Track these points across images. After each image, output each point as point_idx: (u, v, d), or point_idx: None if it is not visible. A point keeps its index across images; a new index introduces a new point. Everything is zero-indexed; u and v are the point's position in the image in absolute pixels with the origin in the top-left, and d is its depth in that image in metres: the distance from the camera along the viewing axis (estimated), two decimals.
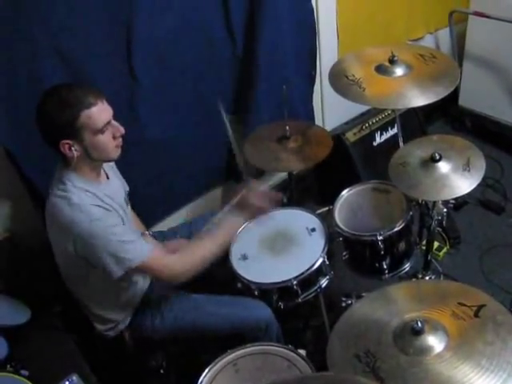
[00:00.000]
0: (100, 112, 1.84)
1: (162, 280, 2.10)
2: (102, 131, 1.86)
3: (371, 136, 3.39)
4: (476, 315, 1.61)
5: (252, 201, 2.27)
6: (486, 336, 1.53)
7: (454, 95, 3.86)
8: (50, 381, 1.87)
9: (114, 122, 1.91)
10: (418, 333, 1.55)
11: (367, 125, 3.36)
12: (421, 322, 1.56)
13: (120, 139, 1.95)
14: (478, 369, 1.45)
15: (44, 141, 1.87)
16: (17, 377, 1.80)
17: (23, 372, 1.85)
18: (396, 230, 2.28)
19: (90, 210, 1.87)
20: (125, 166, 2.33)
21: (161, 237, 2.50)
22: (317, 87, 3.24)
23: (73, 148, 1.85)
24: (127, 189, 2.27)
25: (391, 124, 3.40)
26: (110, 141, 1.91)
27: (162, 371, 2.38)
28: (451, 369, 1.47)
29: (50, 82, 1.99)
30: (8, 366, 1.87)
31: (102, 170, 2.06)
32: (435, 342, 1.54)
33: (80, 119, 1.80)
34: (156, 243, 2.31)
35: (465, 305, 1.64)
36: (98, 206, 1.90)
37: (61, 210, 1.87)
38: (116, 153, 1.97)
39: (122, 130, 1.93)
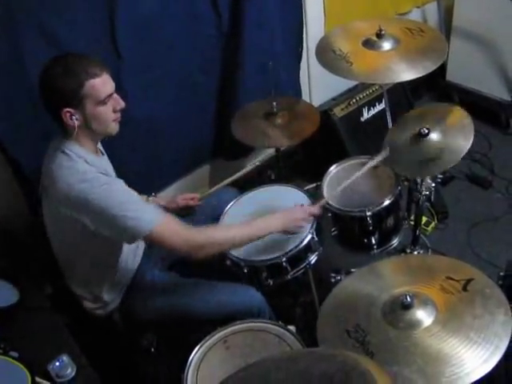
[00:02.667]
0: (104, 83, 1.86)
1: (176, 250, 2.00)
2: (104, 102, 1.88)
3: (359, 111, 3.37)
4: (464, 289, 1.62)
5: (300, 215, 2.18)
6: (475, 309, 1.54)
7: (442, 70, 3.84)
8: (41, 361, 1.86)
9: (115, 95, 1.93)
10: (407, 307, 1.56)
11: (354, 100, 3.34)
12: (410, 296, 1.56)
13: (119, 114, 1.96)
14: (467, 342, 1.47)
15: (45, 108, 1.87)
16: (6, 358, 1.78)
17: (13, 353, 1.82)
18: (384, 205, 2.29)
19: (98, 176, 1.86)
20: (113, 144, 2.30)
21: None
22: (303, 63, 3.21)
23: (74, 117, 1.85)
24: None
25: (379, 99, 3.38)
26: (110, 113, 1.93)
27: (153, 350, 2.38)
28: (440, 342, 1.49)
29: (33, 62, 1.97)
30: None
31: (98, 147, 2.06)
32: (424, 316, 1.55)
33: (84, 88, 1.82)
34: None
35: (453, 279, 1.65)
36: (104, 174, 1.90)
37: (67, 181, 1.85)
38: (115, 127, 1.98)
39: (122, 103, 1.95)
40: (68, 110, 1.83)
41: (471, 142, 2.12)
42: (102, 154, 2.11)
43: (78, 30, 2.25)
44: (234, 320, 2.04)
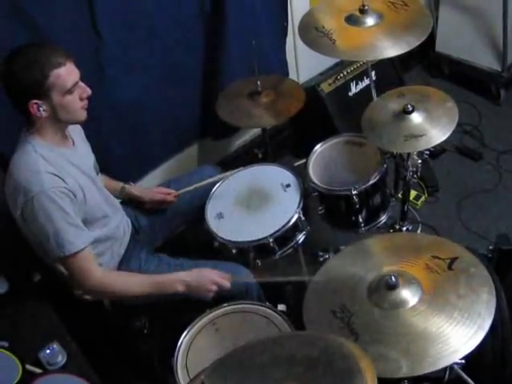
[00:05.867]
0: (69, 72, 1.84)
1: (75, 282, 1.99)
2: (70, 92, 1.86)
3: (346, 86, 3.33)
4: (449, 268, 1.63)
5: (210, 287, 2.02)
6: (459, 288, 1.56)
7: (431, 41, 3.80)
8: (31, 350, 1.88)
9: (81, 83, 1.90)
10: (392, 287, 1.57)
11: (342, 75, 3.30)
12: (395, 276, 1.57)
13: (86, 101, 1.94)
14: (451, 321, 1.48)
15: (12, 102, 1.85)
16: None
17: (3, 343, 1.84)
18: (371, 183, 2.27)
19: (45, 178, 1.84)
20: (98, 128, 2.28)
21: None
22: (290, 38, 3.16)
23: (41, 108, 1.83)
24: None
25: (367, 73, 3.33)
26: (78, 102, 1.90)
27: (145, 331, 2.39)
28: (424, 322, 1.50)
29: (11, 47, 1.93)
30: None
31: (67, 135, 2.03)
32: (409, 296, 1.57)
33: (49, 79, 1.80)
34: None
35: (439, 258, 1.66)
36: (57, 175, 1.88)
37: (16, 173, 1.87)
38: (82, 115, 1.96)
39: (88, 91, 1.93)
40: (35, 101, 1.81)
41: (456, 121, 2.10)
42: (74, 144, 2.07)
43: (56, 13, 2.19)
44: (223, 298, 2.05)
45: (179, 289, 2.01)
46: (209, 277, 2.03)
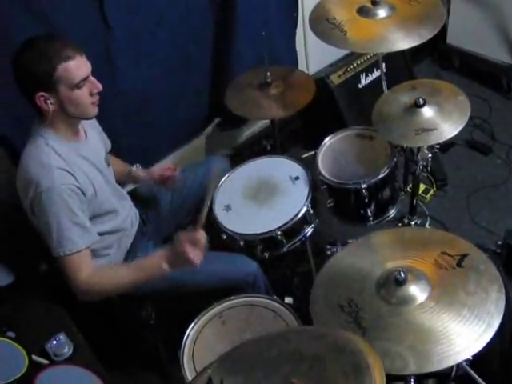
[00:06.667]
0: (78, 66, 1.82)
1: (70, 283, 1.92)
2: (78, 86, 1.84)
3: (356, 78, 3.30)
4: (459, 265, 1.61)
5: (182, 249, 1.89)
6: (468, 286, 1.54)
7: (442, 33, 3.76)
8: (38, 341, 1.88)
9: (91, 78, 1.88)
10: (400, 283, 1.56)
11: (352, 67, 3.27)
12: (403, 271, 1.56)
13: (97, 96, 1.92)
14: (459, 319, 1.47)
15: (20, 93, 1.85)
16: (3, 339, 1.79)
17: (10, 334, 1.84)
18: (380, 177, 2.27)
19: (55, 173, 1.84)
20: (105, 118, 2.27)
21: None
22: (300, 29, 3.14)
23: (48, 101, 1.82)
24: (109, 148, 2.23)
25: (377, 65, 3.31)
26: (87, 97, 1.88)
27: (152, 322, 2.40)
28: (432, 319, 1.49)
29: (21, 38, 1.93)
30: None
31: (80, 128, 2.02)
32: (417, 292, 1.55)
33: (57, 72, 1.78)
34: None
35: (448, 254, 1.64)
36: (68, 172, 1.87)
37: (28, 166, 1.86)
38: (93, 110, 1.94)
39: (99, 86, 1.90)
40: (42, 94, 1.80)
41: (468, 115, 2.08)
42: (86, 137, 2.06)
43: (65, 4, 2.18)
44: (230, 289, 2.06)
45: (164, 266, 1.91)
46: (180, 240, 1.89)
